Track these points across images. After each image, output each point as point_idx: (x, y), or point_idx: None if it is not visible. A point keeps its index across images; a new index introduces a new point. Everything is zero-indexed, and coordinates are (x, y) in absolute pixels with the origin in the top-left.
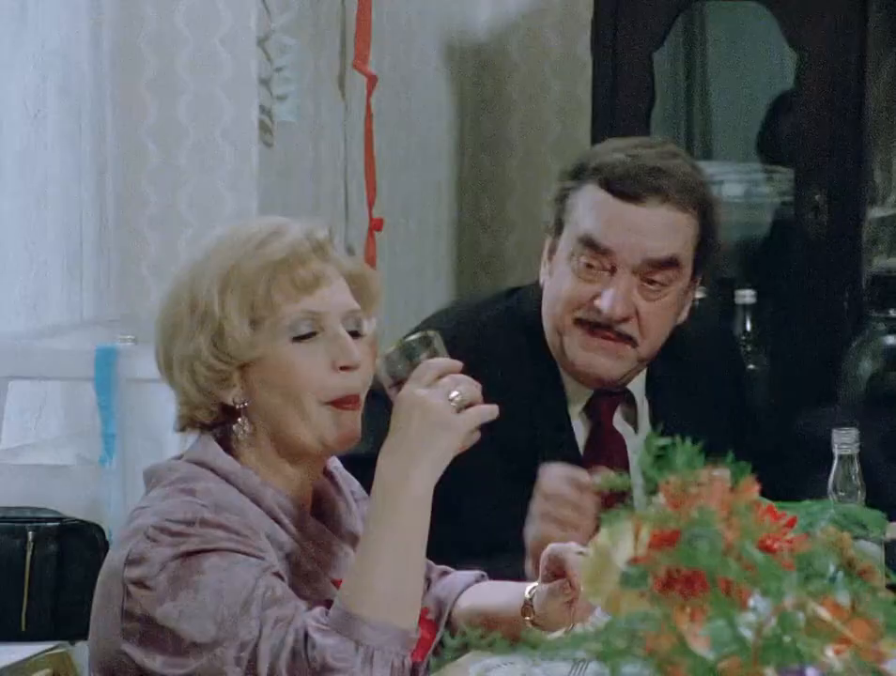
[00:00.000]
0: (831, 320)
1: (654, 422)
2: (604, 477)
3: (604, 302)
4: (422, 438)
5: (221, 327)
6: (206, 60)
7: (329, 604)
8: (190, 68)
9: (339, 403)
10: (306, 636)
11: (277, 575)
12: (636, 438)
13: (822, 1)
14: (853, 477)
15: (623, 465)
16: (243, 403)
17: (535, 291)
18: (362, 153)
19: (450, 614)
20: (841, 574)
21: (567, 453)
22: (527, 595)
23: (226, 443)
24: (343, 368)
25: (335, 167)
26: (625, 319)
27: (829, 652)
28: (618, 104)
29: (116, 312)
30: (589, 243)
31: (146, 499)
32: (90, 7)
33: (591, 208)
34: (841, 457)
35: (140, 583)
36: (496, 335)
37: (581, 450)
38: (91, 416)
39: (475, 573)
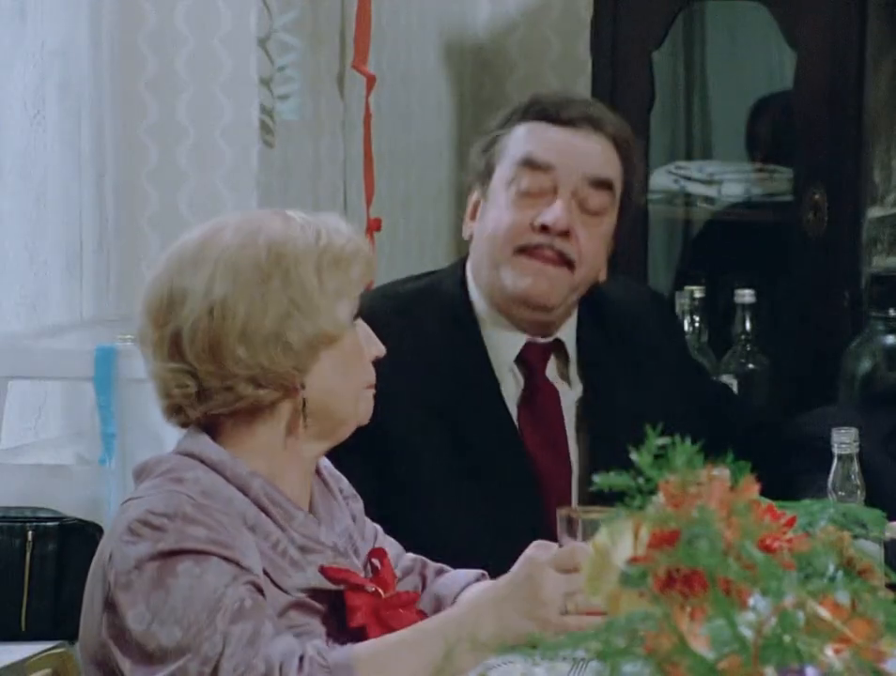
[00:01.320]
0: (831, 320)
1: (582, 378)
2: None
3: (547, 215)
4: (518, 612)
5: (306, 302)
6: (205, 60)
7: (315, 593)
8: (189, 67)
9: (370, 387)
10: (281, 669)
11: (252, 583)
12: (570, 393)
13: (821, 1)
14: (852, 476)
15: (556, 417)
16: (300, 384)
17: (454, 267)
18: (361, 153)
19: None
20: (840, 573)
21: (497, 409)
22: None
23: (214, 435)
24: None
25: (334, 167)
26: (566, 235)
27: (829, 652)
28: (618, 104)
29: (117, 312)
30: (528, 163)
31: (136, 492)
32: (90, 6)
33: (526, 137)
34: (840, 457)
35: (118, 580)
36: (415, 303)
37: (516, 404)
38: (91, 416)
39: (475, 571)
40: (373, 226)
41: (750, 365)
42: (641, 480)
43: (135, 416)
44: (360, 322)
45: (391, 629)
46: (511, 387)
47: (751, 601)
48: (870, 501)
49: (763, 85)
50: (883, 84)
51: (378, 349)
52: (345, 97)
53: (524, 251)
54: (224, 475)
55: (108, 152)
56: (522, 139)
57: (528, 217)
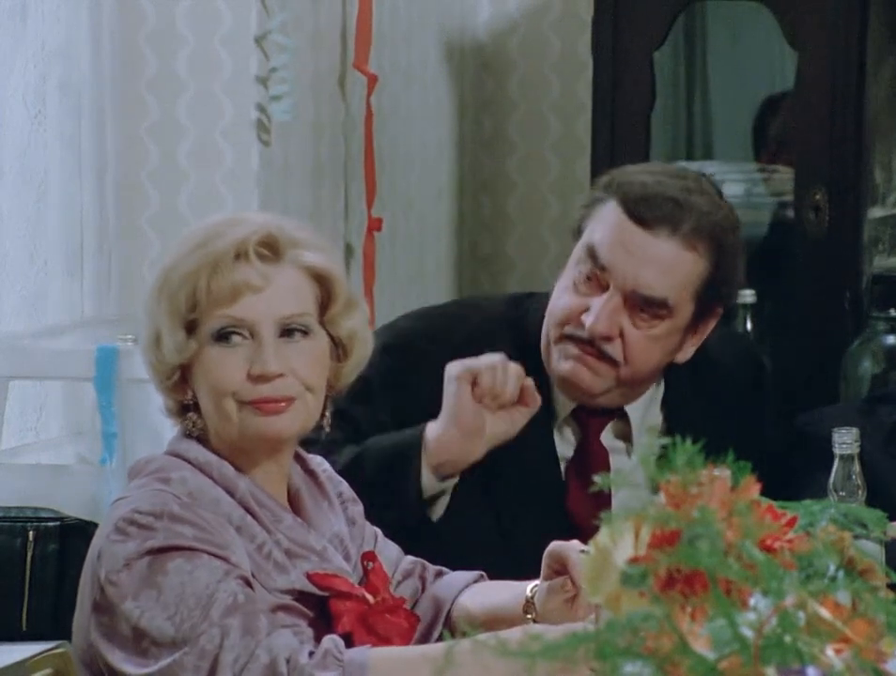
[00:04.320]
0: (832, 320)
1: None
2: (603, 476)
3: (589, 316)
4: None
5: (158, 328)
6: (205, 59)
7: (301, 596)
8: (189, 67)
9: (259, 404)
10: (289, 661)
11: (242, 578)
12: (628, 460)
13: (822, 1)
14: (853, 476)
15: (606, 470)
16: (190, 400)
17: (544, 300)
18: (362, 153)
19: (448, 613)
20: (841, 573)
21: (546, 461)
22: (528, 593)
23: (205, 436)
24: (258, 376)
25: (335, 167)
26: (608, 338)
27: (830, 652)
28: (618, 104)
29: (117, 311)
30: (591, 254)
31: (126, 491)
32: (90, 7)
33: (604, 222)
34: (841, 457)
35: (107, 578)
36: (492, 333)
37: (564, 462)
38: (91, 416)
39: (474, 573)
40: (374, 226)
41: None
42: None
43: (136, 416)
44: (255, 341)
45: (378, 635)
46: (564, 442)
47: (752, 601)
48: (871, 502)
49: (764, 86)
50: (884, 84)
51: (259, 368)
52: (346, 97)
53: (570, 338)
54: (212, 476)
55: (108, 152)
56: (599, 224)
57: (580, 305)
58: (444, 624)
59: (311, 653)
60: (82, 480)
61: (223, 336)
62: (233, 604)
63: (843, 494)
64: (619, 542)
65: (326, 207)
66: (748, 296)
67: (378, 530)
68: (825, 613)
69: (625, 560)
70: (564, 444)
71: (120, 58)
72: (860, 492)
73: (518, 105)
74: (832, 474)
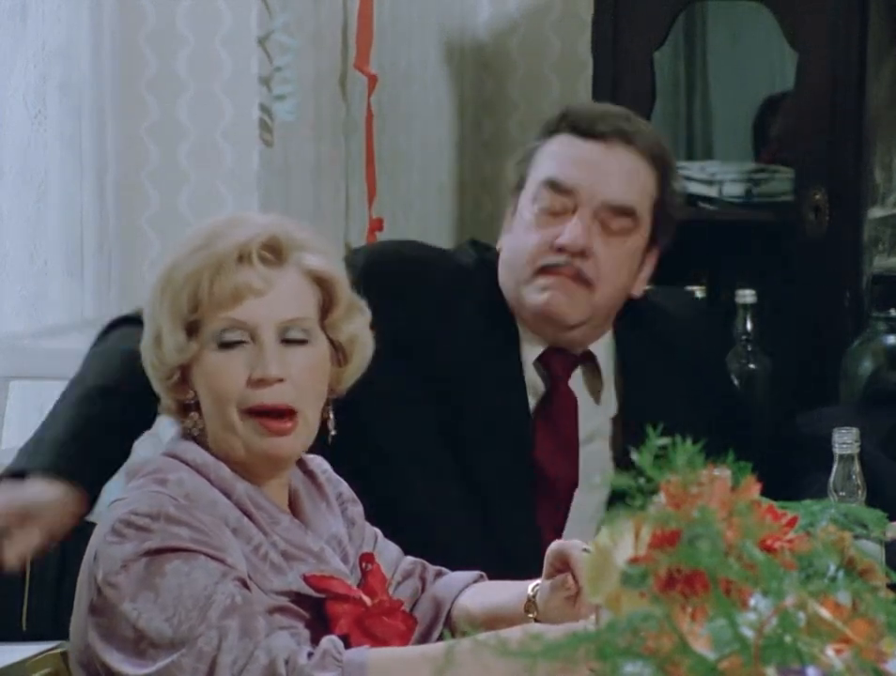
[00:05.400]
0: (832, 320)
1: (619, 397)
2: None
3: (564, 235)
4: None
5: (158, 328)
6: (206, 59)
7: (298, 598)
8: (190, 67)
9: (259, 415)
10: (287, 662)
11: (240, 580)
12: (596, 407)
13: (822, 1)
14: (853, 476)
15: (571, 426)
16: (191, 400)
17: (482, 262)
18: (362, 153)
19: (449, 613)
20: (841, 573)
21: (516, 402)
22: (530, 592)
23: (203, 437)
24: (259, 381)
25: (336, 167)
26: (584, 254)
27: (830, 652)
28: (619, 104)
29: (117, 311)
30: (551, 185)
31: (123, 492)
32: (91, 7)
33: (555, 153)
34: (841, 457)
35: (105, 580)
36: (467, 279)
37: (532, 404)
38: None
39: (474, 573)
40: (375, 226)
41: (752, 365)
42: (642, 480)
43: None
44: (255, 345)
45: (374, 638)
46: (531, 389)
47: (752, 601)
48: (870, 502)
49: (764, 86)
50: (884, 84)
51: (261, 372)
52: (346, 97)
53: (544, 270)
54: (209, 478)
55: (109, 152)
56: (550, 156)
57: (549, 236)
58: (444, 624)
59: (310, 654)
60: None
61: (224, 342)
62: (231, 605)
63: (843, 494)
64: (619, 542)
65: (327, 207)
66: (748, 296)
67: (378, 531)
68: (825, 613)
69: (625, 560)
70: (531, 391)
71: (121, 58)
72: (860, 492)
73: (519, 105)
74: (832, 474)
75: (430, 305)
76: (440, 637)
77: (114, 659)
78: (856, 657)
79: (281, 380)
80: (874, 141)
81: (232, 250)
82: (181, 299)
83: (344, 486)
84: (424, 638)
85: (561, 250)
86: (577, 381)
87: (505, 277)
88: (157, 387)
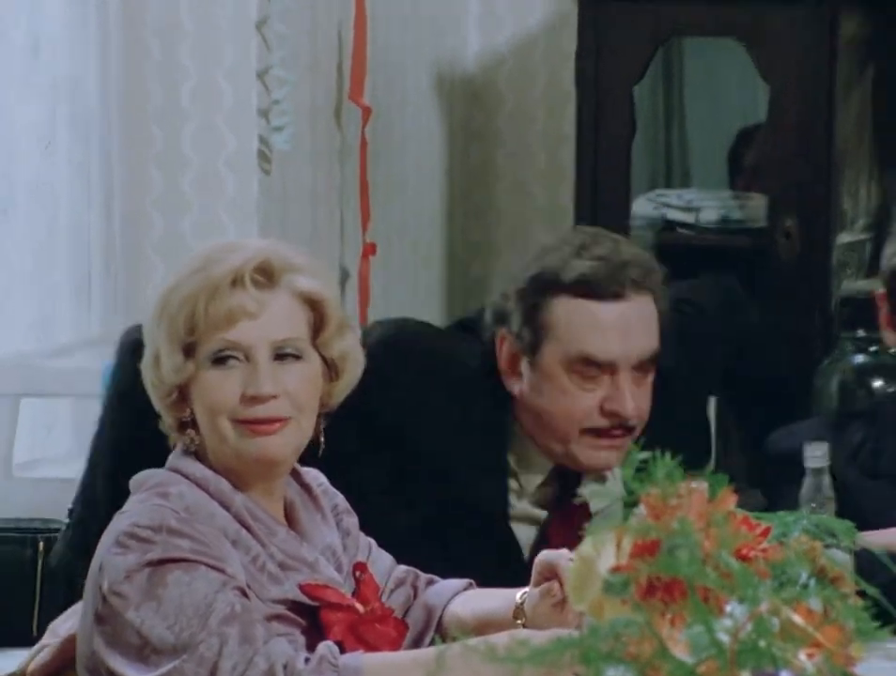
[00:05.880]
0: (803, 340)
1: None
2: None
3: (625, 407)
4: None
5: (157, 349)
6: (208, 92)
7: (294, 606)
8: (193, 99)
9: (252, 425)
10: (286, 667)
11: (239, 589)
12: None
13: (793, 37)
14: (823, 489)
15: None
16: (188, 418)
17: (487, 373)
18: (357, 180)
19: (440, 619)
20: (813, 581)
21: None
22: (518, 599)
23: (203, 452)
24: (252, 398)
25: (332, 194)
26: (637, 416)
27: (802, 656)
28: (601, 134)
29: (122, 332)
30: (589, 362)
31: (127, 505)
32: (99, 42)
33: (579, 324)
34: (812, 470)
35: (110, 589)
36: (469, 390)
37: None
38: None
39: (464, 581)
40: (368, 251)
41: None
42: (623, 492)
43: None
44: (257, 358)
45: (367, 644)
46: (528, 519)
47: (728, 608)
48: (840, 513)
49: (738, 118)
50: (851, 117)
51: (254, 390)
52: (342, 127)
53: (594, 431)
54: (208, 491)
55: (115, 180)
56: (575, 329)
57: (593, 401)
58: (436, 630)
59: (307, 660)
60: None
61: (219, 359)
62: (230, 613)
63: (814, 506)
64: (602, 552)
65: (323, 232)
66: None
67: (372, 541)
68: (797, 619)
69: (607, 569)
70: (528, 521)
71: (127, 92)
72: (831, 504)
73: (506, 135)
74: (804, 487)
75: (432, 407)
76: (432, 643)
77: (118, 665)
78: (826, 661)
79: (274, 397)
80: (843, 170)
81: (226, 274)
82: (178, 321)
83: (339, 498)
84: (416, 644)
85: (612, 415)
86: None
87: (544, 432)
88: (157, 405)
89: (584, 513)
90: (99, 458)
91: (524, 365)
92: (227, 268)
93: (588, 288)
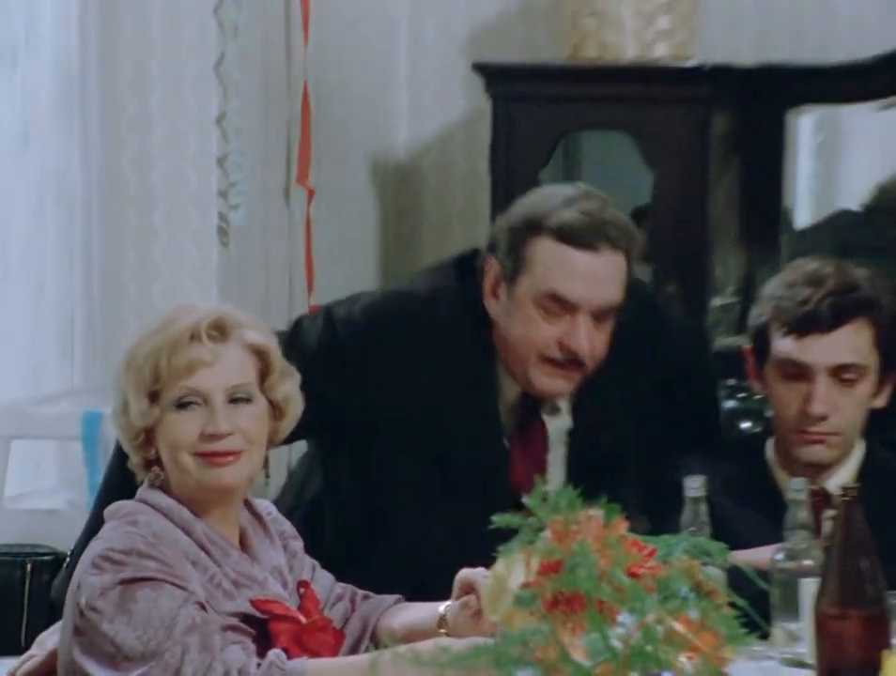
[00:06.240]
0: None
1: (572, 412)
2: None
3: (581, 343)
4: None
5: (125, 397)
6: (175, 177)
7: (246, 618)
8: (162, 183)
9: (211, 457)
10: (240, 672)
11: (199, 604)
12: (558, 421)
13: (673, 131)
14: (700, 515)
15: (541, 449)
16: (153, 456)
17: (465, 303)
18: (303, 252)
19: (374, 629)
20: (691, 594)
21: (495, 441)
22: (441, 611)
23: (166, 486)
24: (210, 436)
25: (282, 263)
26: (590, 353)
27: (683, 659)
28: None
29: (101, 383)
30: (556, 299)
31: (102, 531)
32: (81, 134)
33: (553, 265)
34: (691, 499)
35: (87, 605)
36: (445, 337)
37: (509, 435)
38: (80, 469)
39: (394, 596)
40: (313, 310)
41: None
42: (532, 519)
43: None
44: (208, 406)
45: (309, 651)
46: (507, 426)
47: (620, 618)
48: (714, 536)
49: (628, 199)
50: (722, 199)
51: (212, 428)
52: (290, 206)
53: (550, 361)
54: (172, 519)
55: (95, 251)
56: (550, 268)
57: (553, 333)
58: (370, 639)
59: (258, 665)
60: (71, 521)
61: (182, 404)
62: (192, 625)
63: (693, 529)
64: (513, 570)
65: (274, 296)
66: None
67: (316, 562)
68: (679, 627)
69: (517, 585)
70: (506, 428)
71: (106, 177)
72: (706, 528)
73: (430, 213)
74: (684, 513)
75: (410, 368)
76: (367, 650)
77: (94, 670)
78: (703, 663)
79: (230, 434)
80: (715, 244)
81: (185, 330)
82: (144, 372)
83: (287, 525)
84: (354, 651)
85: (568, 350)
86: (546, 407)
87: (509, 354)
88: (125, 446)
89: (541, 439)
90: (101, 501)
91: (503, 290)
92: (186, 325)
93: (568, 236)
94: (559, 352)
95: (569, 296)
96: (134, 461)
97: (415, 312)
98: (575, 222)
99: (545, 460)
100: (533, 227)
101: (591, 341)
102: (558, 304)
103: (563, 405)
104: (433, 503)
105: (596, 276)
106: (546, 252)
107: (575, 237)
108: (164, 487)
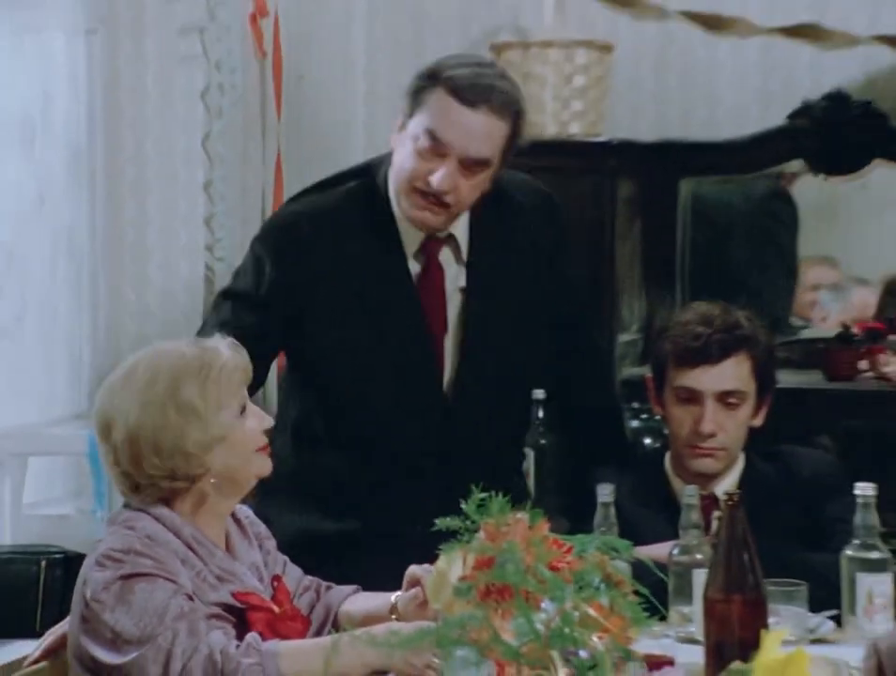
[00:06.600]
0: None
1: (465, 266)
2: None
3: (435, 179)
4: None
5: (204, 418)
6: (168, 234)
7: (228, 608)
8: (157, 239)
9: (263, 450)
10: (222, 652)
11: (187, 595)
12: (455, 267)
13: (584, 198)
14: (610, 517)
15: (441, 290)
16: (205, 472)
17: (376, 173)
18: None
19: (335, 615)
20: (602, 584)
21: (404, 283)
22: (393, 600)
23: (161, 501)
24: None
25: None
26: (448, 192)
27: (595, 639)
28: None
29: None
30: (432, 135)
31: (105, 535)
32: (88, 199)
33: (438, 109)
34: (602, 503)
35: (91, 597)
36: (348, 208)
37: (416, 280)
38: (86, 481)
39: (352, 587)
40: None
41: (543, 441)
42: (469, 522)
43: None
44: (249, 406)
45: (281, 635)
46: (415, 266)
47: (543, 605)
48: (621, 534)
49: None
50: (626, 253)
51: (267, 422)
52: None
53: (417, 191)
54: (164, 524)
55: (100, 297)
56: (433, 110)
57: (424, 169)
58: (332, 624)
59: (238, 646)
60: (79, 525)
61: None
62: (181, 613)
63: (603, 529)
64: (452, 566)
65: None
66: (539, 393)
67: (287, 558)
68: (592, 612)
69: (456, 578)
70: (413, 270)
71: (109, 233)
72: (614, 528)
73: None
74: (596, 515)
75: (326, 244)
76: (330, 633)
77: (98, 653)
78: (612, 642)
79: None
80: (621, 290)
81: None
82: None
83: (262, 527)
84: (318, 634)
85: (429, 186)
86: (446, 255)
87: (392, 181)
88: (180, 474)
89: (441, 284)
90: None
91: (401, 129)
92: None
93: (455, 90)
94: (424, 185)
95: (441, 137)
96: (127, 486)
97: (333, 195)
98: (464, 81)
99: (445, 306)
100: (432, 77)
101: (455, 184)
102: (433, 143)
103: (458, 261)
104: (369, 353)
105: (470, 130)
106: (436, 99)
107: (460, 92)
108: (163, 501)
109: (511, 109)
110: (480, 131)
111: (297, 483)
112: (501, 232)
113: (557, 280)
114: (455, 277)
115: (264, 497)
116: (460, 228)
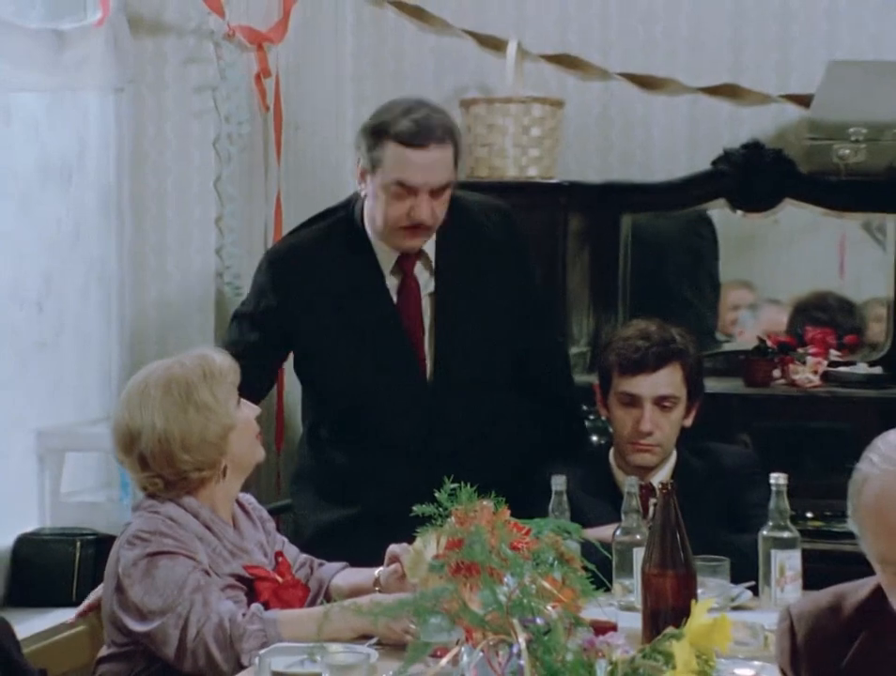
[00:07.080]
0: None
1: (433, 275)
2: (418, 506)
3: (420, 214)
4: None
5: (217, 412)
6: (184, 262)
7: (239, 578)
8: (175, 267)
9: (258, 436)
10: (231, 620)
11: (204, 570)
12: (425, 276)
13: (540, 230)
14: (563, 504)
15: (417, 300)
16: (222, 457)
17: (349, 209)
18: None
19: (327, 588)
20: (556, 562)
21: (383, 297)
22: (376, 574)
23: (181, 490)
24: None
25: None
26: (428, 219)
27: (550, 608)
28: None
29: None
30: (400, 184)
31: (133, 518)
32: (116, 233)
33: (396, 161)
34: (556, 492)
35: (123, 572)
36: (321, 240)
37: (395, 295)
38: (115, 473)
39: (342, 563)
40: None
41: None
42: (442, 509)
43: None
44: (241, 400)
45: (285, 602)
46: (393, 283)
47: (505, 580)
48: (572, 518)
49: None
50: (576, 278)
51: (254, 410)
52: None
53: (403, 228)
54: (184, 507)
55: (127, 316)
56: (395, 164)
57: (403, 210)
58: (324, 596)
59: (244, 615)
60: (109, 511)
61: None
62: (197, 586)
63: (557, 514)
64: (428, 546)
65: None
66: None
67: (285, 539)
68: (547, 585)
69: (431, 556)
70: (391, 284)
71: (134, 262)
72: (566, 513)
73: None
74: (551, 502)
75: (314, 270)
76: (321, 604)
77: (128, 621)
78: (564, 610)
79: None
80: (574, 312)
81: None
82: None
83: (264, 512)
84: (312, 604)
85: (414, 219)
86: (420, 268)
87: (370, 225)
88: (207, 463)
89: (417, 293)
90: None
91: (367, 180)
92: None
93: (405, 140)
94: (408, 222)
95: (409, 182)
96: (159, 486)
97: (319, 229)
98: (409, 130)
99: (422, 313)
100: (380, 133)
101: (431, 210)
102: (403, 189)
103: (428, 270)
104: (359, 361)
105: (428, 166)
106: (391, 154)
107: (410, 141)
108: (185, 490)
109: (451, 133)
110: (437, 163)
111: (315, 480)
112: (463, 241)
113: (518, 278)
114: (426, 285)
115: (292, 495)
116: (428, 243)
